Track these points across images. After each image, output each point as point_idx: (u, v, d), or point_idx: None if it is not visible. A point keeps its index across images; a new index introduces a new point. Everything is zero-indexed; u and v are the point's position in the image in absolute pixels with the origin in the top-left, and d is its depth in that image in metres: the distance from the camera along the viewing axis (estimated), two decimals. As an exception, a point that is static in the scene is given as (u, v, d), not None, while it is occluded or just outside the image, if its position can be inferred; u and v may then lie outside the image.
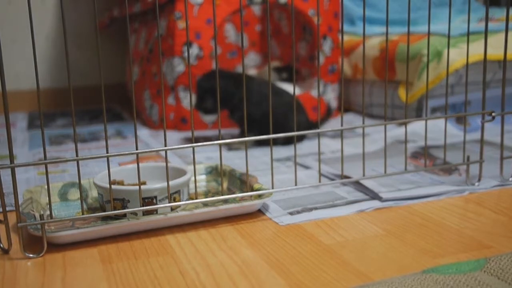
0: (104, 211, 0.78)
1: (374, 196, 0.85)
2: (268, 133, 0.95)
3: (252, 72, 1.71)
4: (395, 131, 1.32)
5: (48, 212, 0.76)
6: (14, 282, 0.61)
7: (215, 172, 0.95)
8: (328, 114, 1.38)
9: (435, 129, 1.26)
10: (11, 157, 0.65)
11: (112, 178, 0.82)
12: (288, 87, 1.45)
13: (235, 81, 1.23)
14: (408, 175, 0.94)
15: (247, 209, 0.79)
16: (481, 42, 0.91)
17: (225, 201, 0.79)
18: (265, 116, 1.12)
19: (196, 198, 0.84)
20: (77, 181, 0.82)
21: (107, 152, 0.71)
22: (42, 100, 1.94)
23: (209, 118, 1.37)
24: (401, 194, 0.84)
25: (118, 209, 0.75)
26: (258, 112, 1.22)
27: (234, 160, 1.11)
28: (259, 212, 0.80)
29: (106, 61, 1.99)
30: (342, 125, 0.82)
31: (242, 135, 1.27)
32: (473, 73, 1.36)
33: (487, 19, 0.86)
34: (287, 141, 1.24)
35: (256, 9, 1.87)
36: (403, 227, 0.73)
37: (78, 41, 1.97)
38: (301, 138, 1.28)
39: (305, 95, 1.54)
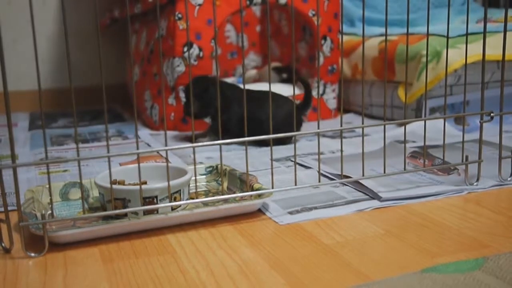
0: (105, 210, 0.78)
1: (373, 196, 0.85)
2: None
3: (252, 72, 1.72)
4: (395, 131, 1.32)
5: (49, 212, 0.77)
6: (15, 281, 0.61)
7: (215, 172, 0.95)
8: (308, 99, 1.31)
9: (434, 129, 1.26)
10: (13, 157, 0.66)
11: (113, 178, 0.82)
12: (287, 89, 1.45)
13: (215, 88, 1.23)
14: (407, 175, 0.95)
15: (247, 209, 0.79)
16: (480, 42, 0.91)
17: (225, 201, 0.80)
18: (241, 122, 1.12)
19: (197, 198, 0.85)
20: (78, 180, 0.82)
21: (108, 152, 0.71)
22: (43, 100, 1.94)
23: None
24: (400, 194, 0.85)
25: (119, 209, 0.75)
26: (234, 118, 1.24)
27: (234, 160, 1.12)
28: (259, 212, 0.81)
29: (106, 62, 1.99)
30: (341, 125, 0.82)
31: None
32: (471, 73, 1.36)
33: (485, 20, 0.86)
34: (278, 141, 1.24)
35: (256, 10, 1.87)
36: (402, 226, 0.73)
37: (79, 42, 1.97)
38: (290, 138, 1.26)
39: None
